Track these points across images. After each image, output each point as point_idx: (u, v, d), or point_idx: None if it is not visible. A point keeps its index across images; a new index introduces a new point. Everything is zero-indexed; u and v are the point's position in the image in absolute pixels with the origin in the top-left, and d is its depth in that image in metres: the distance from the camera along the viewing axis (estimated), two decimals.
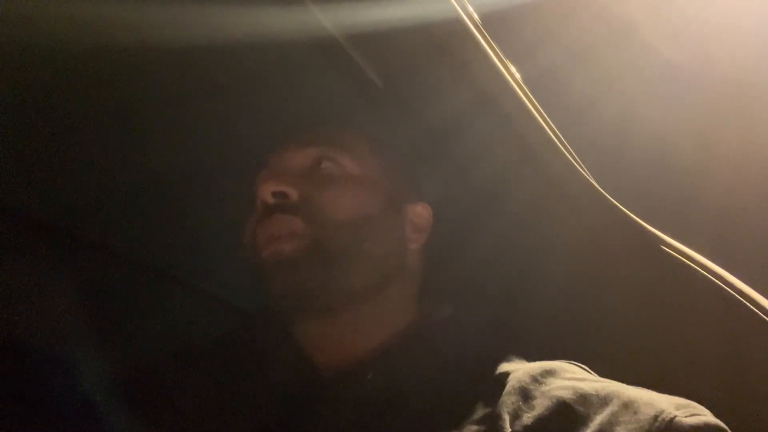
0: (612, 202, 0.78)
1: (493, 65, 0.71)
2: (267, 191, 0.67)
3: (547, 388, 0.56)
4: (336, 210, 0.68)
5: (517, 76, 0.75)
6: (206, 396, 0.67)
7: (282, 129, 0.76)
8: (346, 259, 0.66)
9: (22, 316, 0.81)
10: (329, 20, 0.68)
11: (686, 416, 0.48)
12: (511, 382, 0.58)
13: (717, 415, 0.50)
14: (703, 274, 0.74)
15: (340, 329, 0.66)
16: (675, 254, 0.76)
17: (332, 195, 0.69)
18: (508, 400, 0.56)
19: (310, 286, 0.64)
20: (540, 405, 0.54)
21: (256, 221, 0.68)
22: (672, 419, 0.48)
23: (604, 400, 0.52)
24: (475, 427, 0.56)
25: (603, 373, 0.61)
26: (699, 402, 0.51)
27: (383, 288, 0.69)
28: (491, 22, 0.73)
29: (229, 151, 0.85)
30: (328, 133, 0.74)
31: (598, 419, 0.51)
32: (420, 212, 0.76)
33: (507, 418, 0.54)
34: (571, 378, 0.58)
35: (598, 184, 0.78)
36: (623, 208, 0.78)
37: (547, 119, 0.76)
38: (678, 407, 0.49)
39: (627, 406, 0.51)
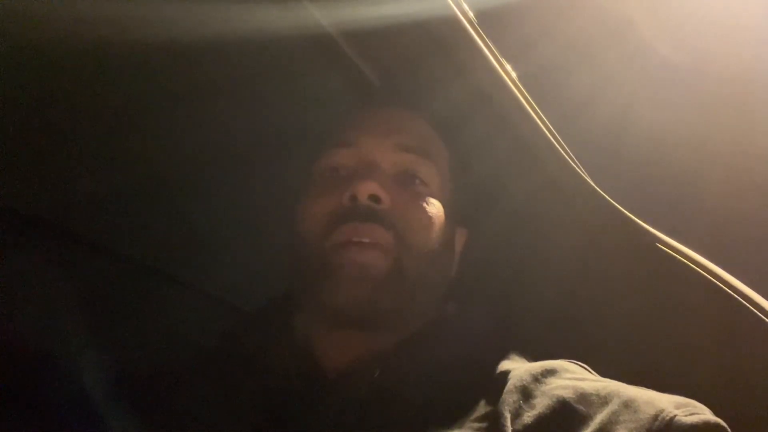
0: (608, 200, 0.78)
1: (489, 64, 0.70)
2: (366, 190, 0.64)
3: (547, 387, 0.56)
4: (421, 235, 0.66)
5: (513, 74, 0.75)
6: (207, 396, 0.66)
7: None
8: (419, 286, 0.66)
9: (22, 316, 0.81)
10: (325, 17, 0.68)
11: (686, 415, 0.48)
12: (512, 381, 0.58)
13: (715, 412, 0.50)
14: (699, 272, 0.74)
15: (361, 340, 0.66)
16: (671, 252, 0.76)
17: (419, 217, 0.67)
18: (509, 399, 0.56)
19: (384, 308, 0.63)
20: (541, 404, 0.55)
21: (336, 215, 0.65)
22: (672, 418, 0.48)
23: (604, 400, 0.52)
24: (476, 425, 0.56)
25: (599, 370, 0.61)
26: (696, 400, 0.51)
27: (424, 314, 0.69)
28: (486, 20, 0.72)
29: (228, 149, 0.84)
30: (422, 139, 0.72)
31: (599, 418, 0.51)
32: (459, 238, 0.76)
33: (508, 416, 0.54)
34: (571, 377, 0.58)
35: (595, 182, 0.78)
36: (620, 207, 0.78)
37: (543, 118, 0.76)
38: (678, 406, 0.49)
39: (627, 405, 0.51)
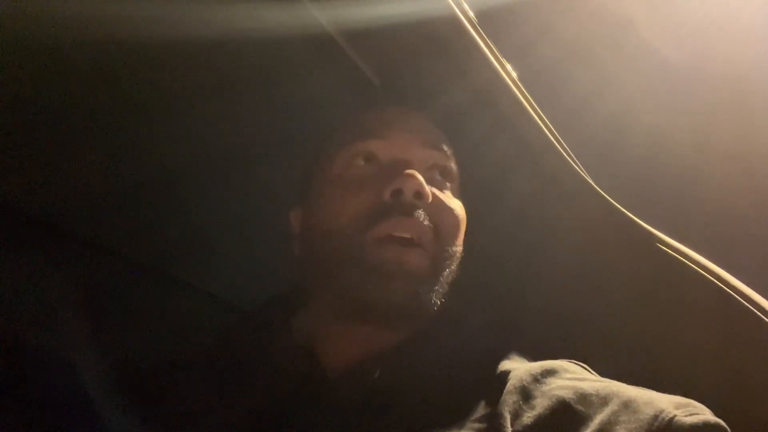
0: (609, 200, 0.78)
1: (490, 63, 0.70)
2: (413, 186, 0.63)
3: (547, 387, 0.56)
4: (453, 234, 0.67)
5: (514, 74, 0.75)
6: (207, 396, 0.66)
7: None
8: (443, 283, 0.66)
9: (22, 315, 0.81)
10: (325, 17, 0.68)
11: (686, 415, 0.48)
12: (512, 381, 0.58)
13: (715, 413, 0.50)
14: (699, 272, 0.74)
15: (365, 336, 0.65)
16: (671, 252, 0.76)
17: (449, 216, 0.67)
18: (509, 399, 0.56)
19: (414, 305, 0.63)
20: (540, 404, 0.55)
21: (377, 209, 0.64)
22: (672, 418, 0.48)
23: (604, 400, 0.52)
24: (476, 426, 0.56)
25: (600, 370, 0.61)
26: (696, 400, 0.51)
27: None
28: (487, 19, 0.73)
29: (230, 149, 0.84)
30: (440, 136, 0.72)
31: (598, 419, 0.51)
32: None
33: (508, 417, 0.54)
34: (571, 377, 0.58)
35: (595, 181, 0.78)
36: (620, 206, 0.78)
37: (544, 117, 0.76)
38: (678, 406, 0.49)
39: (627, 405, 0.51)
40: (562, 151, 0.77)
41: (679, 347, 0.74)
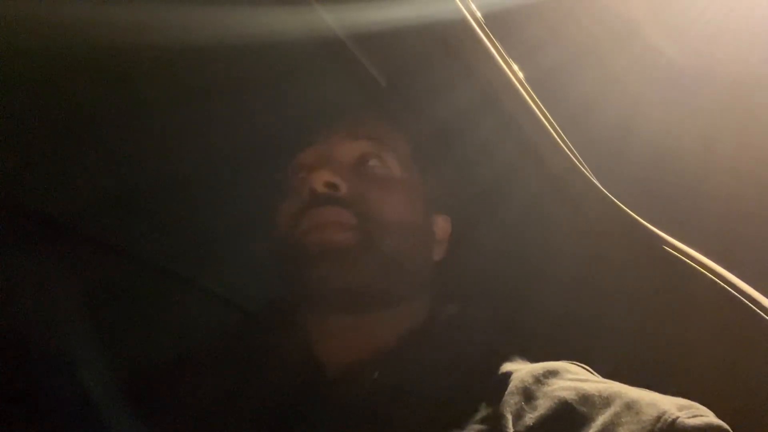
0: (614, 201, 0.78)
1: (497, 65, 0.71)
2: (320, 180, 0.66)
3: (549, 388, 0.56)
4: (385, 210, 0.67)
5: (520, 75, 0.75)
6: (210, 396, 0.67)
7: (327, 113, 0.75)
8: (396, 261, 0.66)
9: (26, 313, 0.82)
10: (334, 20, 0.68)
11: (689, 417, 0.48)
12: (514, 382, 0.58)
13: (719, 415, 0.50)
14: (705, 274, 0.74)
15: (356, 329, 0.66)
16: (677, 254, 0.76)
17: (381, 194, 0.68)
18: (510, 400, 0.56)
19: (361, 280, 0.64)
20: (542, 405, 0.54)
21: (301, 208, 0.67)
22: (674, 420, 0.48)
23: (606, 401, 0.52)
24: (477, 427, 0.55)
25: (604, 372, 0.61)
26: (700, 402, 0.51)
27: (411, 298, 0.70)
28: (494, 21, 0.73)
29: (237, 150, 0.85)
30: (375, 128, 0.74)
31: (600, 420, 0.51)
32: (442, 225, 0.76)
33: (509, 418, 0.54)
34: (573, 378, 0.58)
35: (601, 183, 0.78)
36: (626, 208, 0.78)
37: (550, 119, 0.76)
38: (680, 408, 0.49)
39: (629, 406, 0.51)
40: (568, 152, 0.77)
41: (684, 349, 0.74)
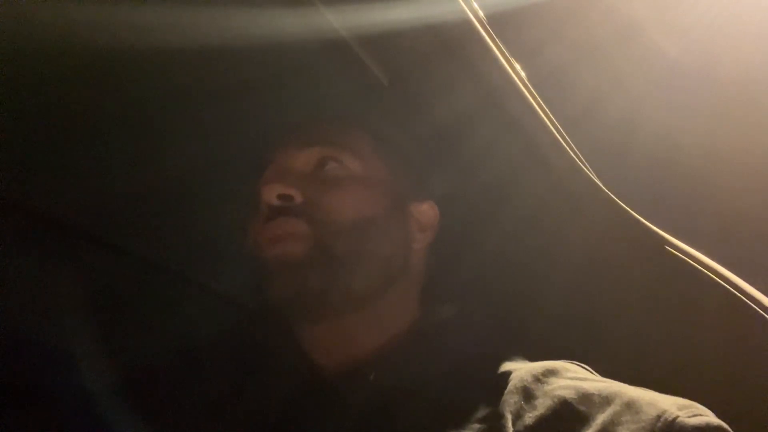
0: (617, 202, 0.78)
1: (499, 64, 0.71)
2: (272, 193, 0.67)
3: (549, 387, 0.56)
4: (340, 212, 0.67)
5: (523, 75, 0.75)
6: (210, 396, 0.67)
7: (286, 127, 0.75)
8: (350, 261, 0.66)
9: (28, 312, 0.82)
10: (337, 21, 0.68)
11: (688, 416, 0.48)
12: (513, 382, 0.58)
13: (720, 415, 0.50)
14: (707, 275, 0.74)
15: (342, 332, 0.66)
16: (680, 255, 0.76)
17: (336, 197, 0.68)
18: (510, 400, 0.56)
19: (314, 289, 0.64)
20: (542, 404, 0.54)
21: (260, 223, 0.68)
22: (674, 419, 0.48)
23: (606, 400, 0.52)
24: (477, 426, 0.56)
25: (606, 372, 0.61)
26: (703, 403, 0.51)
27: (387, 289, 0.69)
28: (497, 21, 0.73)
29: (239, 151, 0.85)
30: (331, 132, 0.73)
31: (600, 419, 0.51)
32: (425, 211, 0.76)
33: (509, 417, 0.54)
34: (573, 377, 0.58)
35: (603, 184, 0.78)
36: (628, 209, 0.78)
37: (553, 119, 0.76)
38: (680, 408, 0.49)
39: (629, 406, 0.51)
40: (571, 153, 0.77)
41: (687, 350, 0.74)
